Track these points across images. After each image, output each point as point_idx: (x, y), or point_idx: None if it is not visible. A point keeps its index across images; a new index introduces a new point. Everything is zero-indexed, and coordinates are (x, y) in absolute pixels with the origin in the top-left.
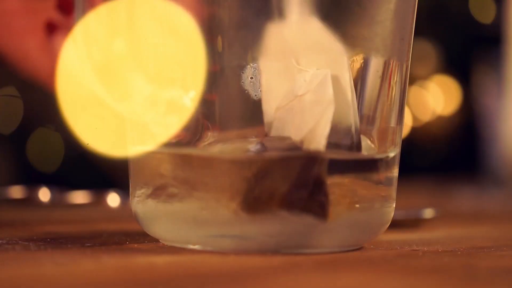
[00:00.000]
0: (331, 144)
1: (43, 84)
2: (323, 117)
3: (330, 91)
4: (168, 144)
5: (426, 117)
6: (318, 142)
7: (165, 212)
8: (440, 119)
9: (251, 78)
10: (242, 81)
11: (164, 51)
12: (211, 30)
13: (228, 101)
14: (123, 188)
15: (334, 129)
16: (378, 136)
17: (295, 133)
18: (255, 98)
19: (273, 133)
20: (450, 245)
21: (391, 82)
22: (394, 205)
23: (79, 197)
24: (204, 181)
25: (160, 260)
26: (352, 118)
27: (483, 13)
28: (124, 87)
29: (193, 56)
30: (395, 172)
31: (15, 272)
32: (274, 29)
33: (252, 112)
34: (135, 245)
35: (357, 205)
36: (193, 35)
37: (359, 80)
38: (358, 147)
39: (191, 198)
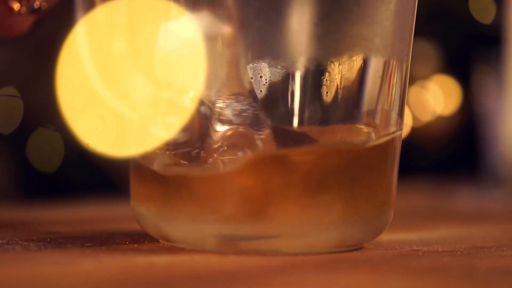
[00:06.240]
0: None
1: None
2: None
3: None
4: (168, 145)
5: (426, 117)
6: None
7: (165, 212)
8: (440, 119)
9: (251, 78)
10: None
11: (164, 51)
12: (211, 30)
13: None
14: (123, 188)
15: None
16: (378, 136)
17: None
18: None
19: None
20: (450, 245)
21: (391, 82)
22: (394, 205)
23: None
24: (204, 181)
25: (160, 260)
26: None
27: (483, 13)
28: (124, 87)
29: (193, 56)
30: (395, 171)
31: (15, 272)
32: None
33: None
34: (135, 245)
35: (357, 205)
36: (193, 35)
37: (359, 80)
38: None
39: (191, 198)
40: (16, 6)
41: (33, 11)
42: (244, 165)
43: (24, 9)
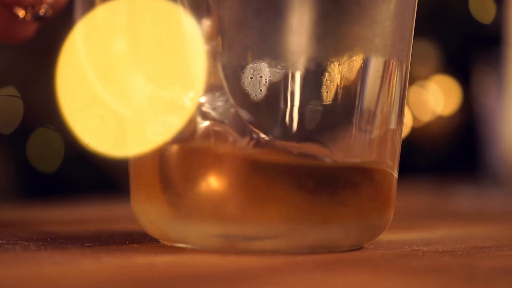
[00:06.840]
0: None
1: None
2: None
3: None
4: (168, 144)
5: (426, 117)
6: None
7: (165, 212)
8: (440, 119)
9: (251, 78)
10: (242, 81)
11: (164, 51)
12: (211, 30)
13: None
14: (123, 188)
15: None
16: (378, 136)
17: None
18: (255, 98)
19: None
20: (450, 245)
21: (391, 82)
22: (394, 205)
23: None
24: (204, 181)
25: (160, 260)
26: None
27: (483, 13)
28: (124, 87)
29: (193, 56)
30: (395, 172)
31: (15, 272)
32: None
33: (251, 111)
34: (135, 245)
35: (357, 205)
36: (193, 35)
37: (359, 80)
38: None
39: (191, 198)
40: (21, 13)
41: (38, 18)
42: (244, 165)
43: (29, 16)
